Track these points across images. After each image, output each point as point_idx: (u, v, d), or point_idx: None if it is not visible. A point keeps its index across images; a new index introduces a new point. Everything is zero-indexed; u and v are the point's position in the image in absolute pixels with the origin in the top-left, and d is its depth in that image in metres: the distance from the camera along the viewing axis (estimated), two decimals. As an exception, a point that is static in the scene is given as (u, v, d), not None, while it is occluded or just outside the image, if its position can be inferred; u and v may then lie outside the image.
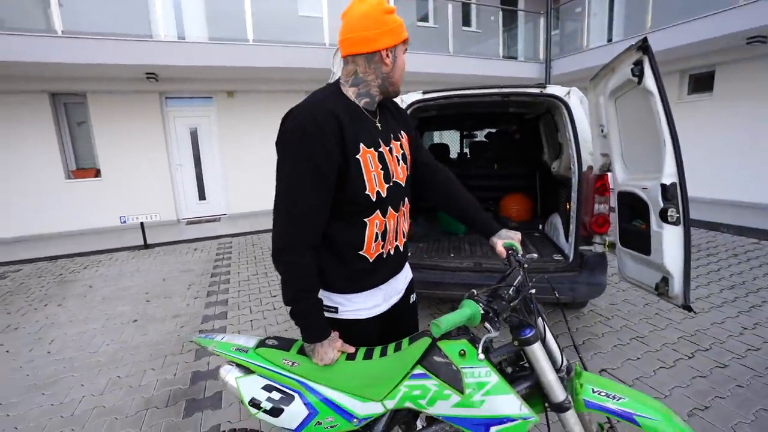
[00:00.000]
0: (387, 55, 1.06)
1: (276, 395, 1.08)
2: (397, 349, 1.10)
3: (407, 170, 1.23)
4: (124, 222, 5.76)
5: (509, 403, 0.96)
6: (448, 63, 7.65)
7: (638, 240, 2.09)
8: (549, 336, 1.06)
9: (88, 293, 4.14)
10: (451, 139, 6.86)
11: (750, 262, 4.22)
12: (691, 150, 6.24)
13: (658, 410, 0.97)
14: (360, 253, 1.14)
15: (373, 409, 1.06)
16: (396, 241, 1.22)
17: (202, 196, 7.83)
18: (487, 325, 0.92)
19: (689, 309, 1.80)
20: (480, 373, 0.97)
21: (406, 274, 1.36)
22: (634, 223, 2.13)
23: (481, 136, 5.92)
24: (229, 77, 7.00)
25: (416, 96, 2.73)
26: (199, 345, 1.24)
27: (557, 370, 1.02)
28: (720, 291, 3.47)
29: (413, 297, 1.42)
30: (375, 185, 1.09)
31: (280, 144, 1.04)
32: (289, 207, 1.02)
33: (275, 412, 1.08)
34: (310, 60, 6.45)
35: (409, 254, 2.98)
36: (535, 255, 2.77)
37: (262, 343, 1.19)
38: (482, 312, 0.91)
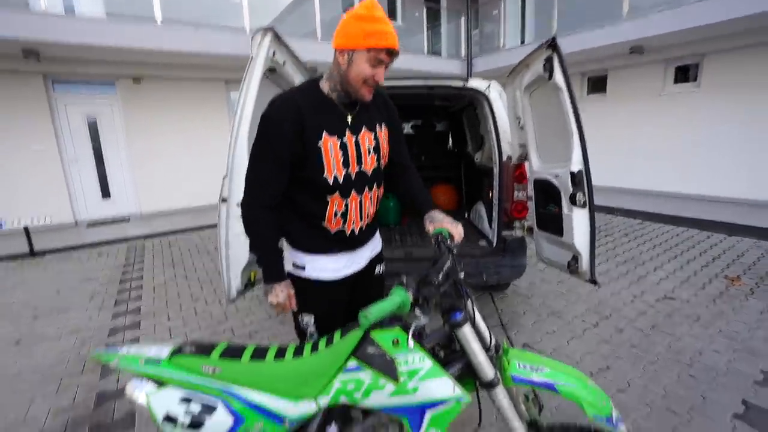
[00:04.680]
0: (341, 54, 1.13)
1: (195, 407, 0.97)
2: (329, 343, 1.04)
3: (377, 160, 1.30)
4: (1, 227, 4.85)
5: (443, 386, 0.96)
6: (376, 56, 7.65)
7: (552, 223, 2.28)
8: (478, 317, 1.08)
9: (-48, 314, 3.41)
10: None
11: (637, 240, 4.91)
12: (591, 143, 7.03)
13: (574, 377, 1.05)
14: (322, 224, 1.27)
15: (306, 408, 0.99)
16: (361, 221, 1.32)
17: (105, 193, 6.91)
18: (417, 311, 0.91)
19: (595, 282, 2.01)
20: (414, 360, 0.96)
21: (372, 246, 1.45)
22: (549, 207, 2.33)
23: (408, 128, 6.05)
24: (135, 61, 6.23)
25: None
26: (99, 362, 1.06)
27: (487, 350, 1.05)
28: (616, 266, 3.97)
29: (379, 268, 1.49)
30: (333, 170, 1.20)
31: (258, 125, 1.18)
32: (249, 175, 1.21)
33: (195, 425, 0.96)
34: (230, 45, 6.01)
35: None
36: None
37: (178, 351, 1.05)
38: (412, 299, 0.90)
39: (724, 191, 6.18)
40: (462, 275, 1.06)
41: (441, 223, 1.27)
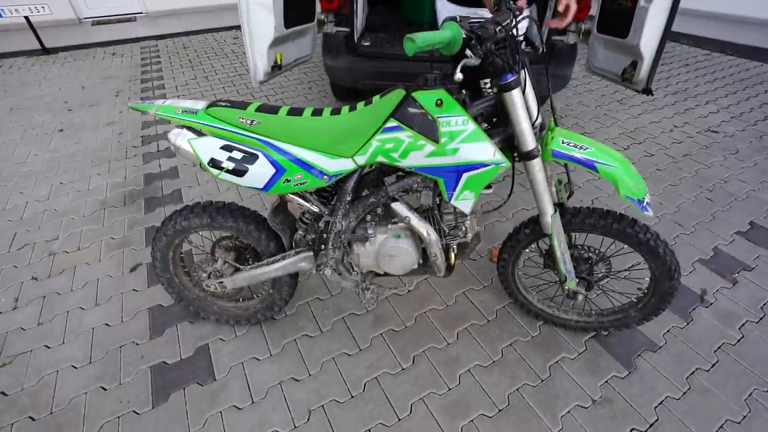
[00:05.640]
0: None
1: (237, 154, 1.01)
2: (368, 104, 1.01)
3: None
4: (0, 16, 4.50)
5: (484, 149, 0.95)
6: None
7: (618, 22, 1.94)
8: (529, 88, 1.00)
9: (-10, 103, 3.51)
10: None
11: (696, 72, 4.34)
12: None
13: (616, 158, 1.03)
14: None
15: (344, 165, 1.03)
16: None
17: (100, -15, 6.11)
18: (468, 51, 0.82)
19: (650, 92, 1.83)
20: (457, 122, 0.93)
21: None
22: (620, 1, 1.94)
23: None
24: None
25: None
26: (137, 110, 1.07)
27: (532, 125, 1.00)
28: (664, 96, 3.63)
29: None
30: None
31: None
32: None
33: (239, 172, 1.02)
34: None
35: (369, 43, 2.69)
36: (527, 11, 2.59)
37: (212, 105, 1.04)
38: (464, 35, 0.79)
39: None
40: (521, 38, 0.92)
41: None
